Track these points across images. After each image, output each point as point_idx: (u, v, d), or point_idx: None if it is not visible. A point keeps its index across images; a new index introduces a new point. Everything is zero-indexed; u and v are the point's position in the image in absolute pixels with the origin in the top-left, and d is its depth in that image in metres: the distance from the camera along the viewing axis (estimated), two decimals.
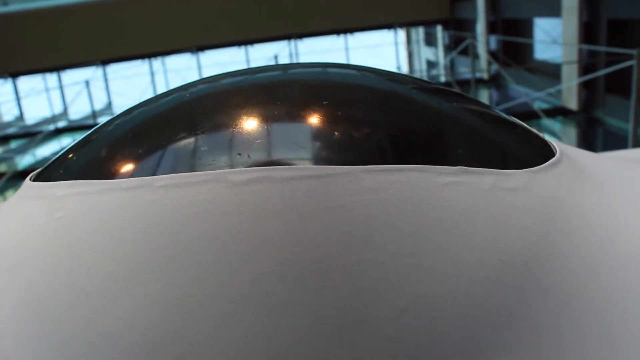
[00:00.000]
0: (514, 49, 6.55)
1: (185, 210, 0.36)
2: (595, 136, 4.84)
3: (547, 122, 4.61)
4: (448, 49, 9.06)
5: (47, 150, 6.71)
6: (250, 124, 0.41)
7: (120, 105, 8.81)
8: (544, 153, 0.48)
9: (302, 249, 0.34)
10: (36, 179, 0.46)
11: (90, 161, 0.45)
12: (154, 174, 0.38)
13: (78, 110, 8.52)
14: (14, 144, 7.24)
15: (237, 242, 0.34)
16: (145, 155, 0.41)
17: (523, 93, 5.06)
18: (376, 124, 0.43)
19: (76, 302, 0.36)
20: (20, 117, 9.03)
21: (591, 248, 0.41)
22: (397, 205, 0.36)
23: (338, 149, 0.40)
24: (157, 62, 9.14)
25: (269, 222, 0.35)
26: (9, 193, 5.14)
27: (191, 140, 0.41)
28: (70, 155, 0.48)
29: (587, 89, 4.94)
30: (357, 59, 9.17)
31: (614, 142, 4.49)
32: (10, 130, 8.17)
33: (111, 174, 0.40)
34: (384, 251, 0.35)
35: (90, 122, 6.81)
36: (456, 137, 0.45)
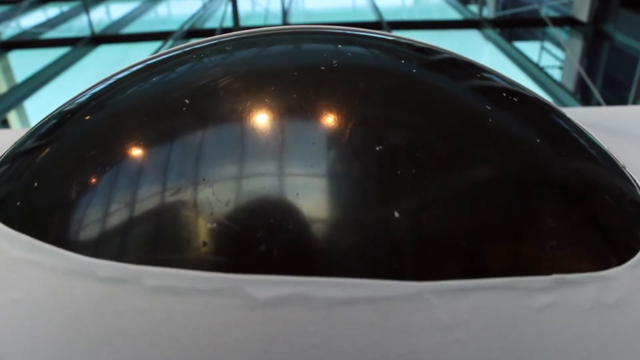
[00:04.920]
0: None
1: (186, 340, 0.26)
2: (601, 52, 4.67)
3: (553, 31, 4.42)
4: None
5: (33, 19, 6.40)
6: (278, 198, 0.29)
7: None
8: (635, 211, 0.36)
9: None
10: None
11: (55, 201, 0.33)
12: (140, 251, 0.28)
13: None
14: None
15: None
16: (128, 215, 0.30)
17: None
18: (442, 211, 0.31)
19: None
20: None
21: None
22: (478, 356, 0.27)
23: (396, 249, 0.28)
24: None
25: None
26: None
27: (195, 208, 0.29)
28: (32, 174, 0.35)
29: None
30: None
31: (621, 60, 4.35)
32: None
33: (82, 237, 0.30)
34: None
35: None
36: (548, 218, 0.31)
